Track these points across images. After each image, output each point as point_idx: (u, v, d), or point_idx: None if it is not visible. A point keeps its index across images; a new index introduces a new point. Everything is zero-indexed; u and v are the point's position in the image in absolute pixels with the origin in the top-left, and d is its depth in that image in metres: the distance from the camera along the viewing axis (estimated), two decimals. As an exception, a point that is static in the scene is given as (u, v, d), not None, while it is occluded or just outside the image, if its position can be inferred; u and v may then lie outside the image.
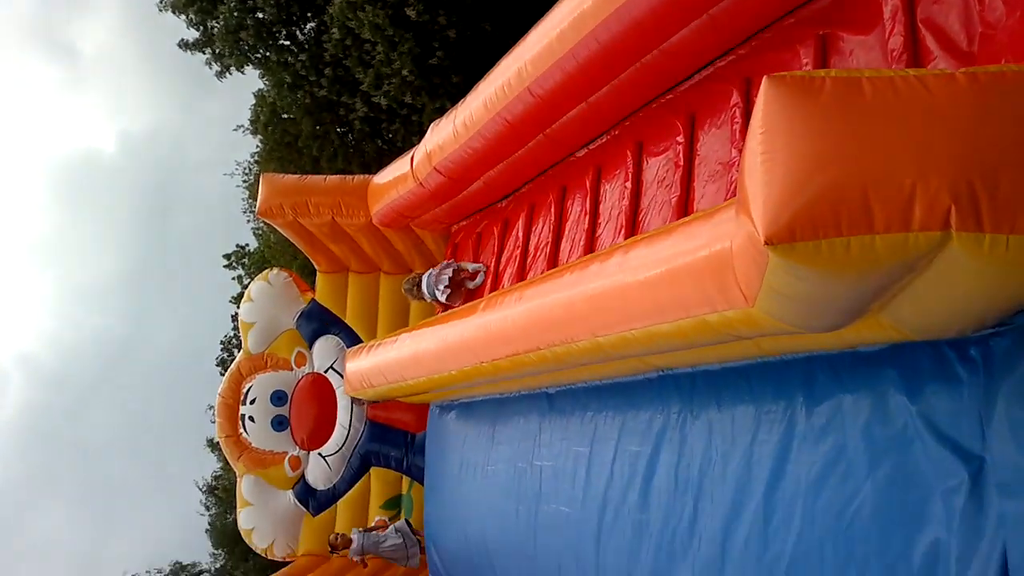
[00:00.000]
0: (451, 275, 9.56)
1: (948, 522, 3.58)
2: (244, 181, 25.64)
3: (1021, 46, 3.92)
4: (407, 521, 10.77)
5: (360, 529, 10.73)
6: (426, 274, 9.90)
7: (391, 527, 10.67)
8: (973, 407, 3.56)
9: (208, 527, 32.34)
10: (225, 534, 30.03)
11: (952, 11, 4.45)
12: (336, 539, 10.57)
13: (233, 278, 27.49)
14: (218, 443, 13.58)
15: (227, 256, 27.43)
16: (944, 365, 3.68)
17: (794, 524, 4.37)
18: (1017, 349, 3.35)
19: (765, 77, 2.95)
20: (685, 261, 3.93)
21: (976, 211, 2.56)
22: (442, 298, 9.49)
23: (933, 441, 3.70)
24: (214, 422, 12.50)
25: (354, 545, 10.39)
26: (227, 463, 12.75)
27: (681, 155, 6.39)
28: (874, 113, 2.75)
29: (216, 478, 31.45)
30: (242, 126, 21.95)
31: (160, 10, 18.22)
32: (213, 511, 31.79)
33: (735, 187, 5.63)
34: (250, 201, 25.50)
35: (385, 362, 8.46)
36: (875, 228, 2.63)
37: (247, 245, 27.26)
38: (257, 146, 22.73)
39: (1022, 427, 3.34)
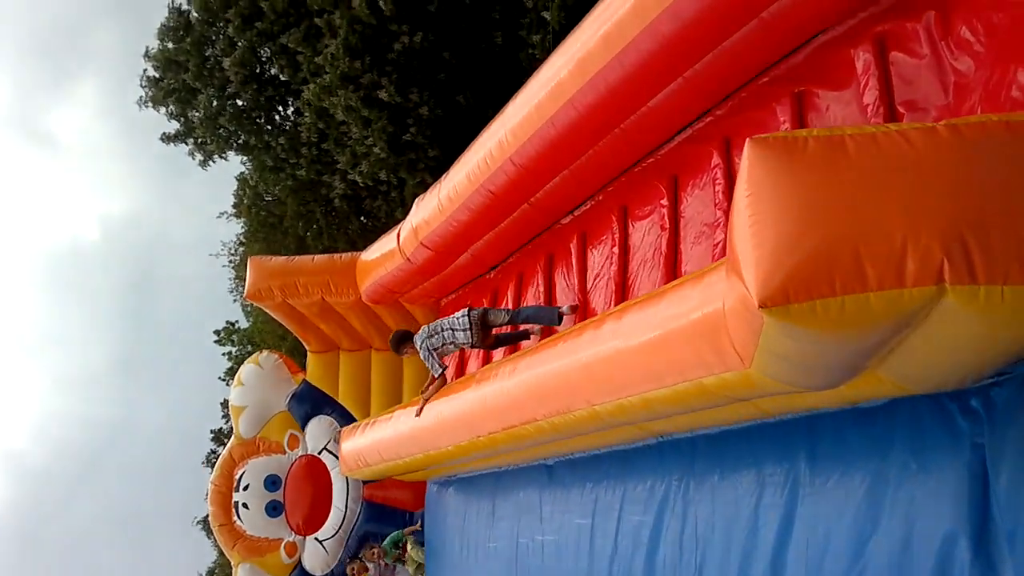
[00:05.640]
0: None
1: (958, 579, 3.50)
2: (230, 261, 25.61)
3: (995, 95, 3.96)
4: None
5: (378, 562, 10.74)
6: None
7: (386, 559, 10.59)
8: (977, 459, 3.50)
9: None
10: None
11: (924, 62, 4.52)
12: (353, 568, 10.71)
13: (223, 354, 27.31)
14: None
15: (217, 332, 27.29)
16: (945, 418, 3.64)
17: (802, 587, 4.27)
18: (1018, 398, 3.30)
19: (748, 139, 2.94)
20: (678, 325, 3.89)
21: (969, 264, 2.54)
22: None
23: (937, 496, 3.65)
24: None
25: (370, 572, 10.54)
26: (223, 552, 12.50)
27: (666, 217, 6.42)
28: (859, 170, 2.74)
29: (212, 571, 30.70)
30: (225, 212, 22.02)
31: (140, 108, 18.42)
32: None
33: (722, 247, 5.65)
34: (237, 281, 25.44)
35: (380, 440, 8.34)
36: (869, 286, 2.61)
37: (237, 322, 27.14)
38: (241, 228, 22.77)
39: (1027, 476, 3.28)
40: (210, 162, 18.89)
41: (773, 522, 4.51)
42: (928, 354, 3.03)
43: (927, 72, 4.46)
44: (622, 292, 6.81)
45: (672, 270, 6.25)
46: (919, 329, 2.80)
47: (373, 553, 10.75)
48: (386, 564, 10.65)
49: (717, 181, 5.94)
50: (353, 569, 10.81)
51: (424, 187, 9.86)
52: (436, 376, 7.50)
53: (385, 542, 10.83)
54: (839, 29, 5.04)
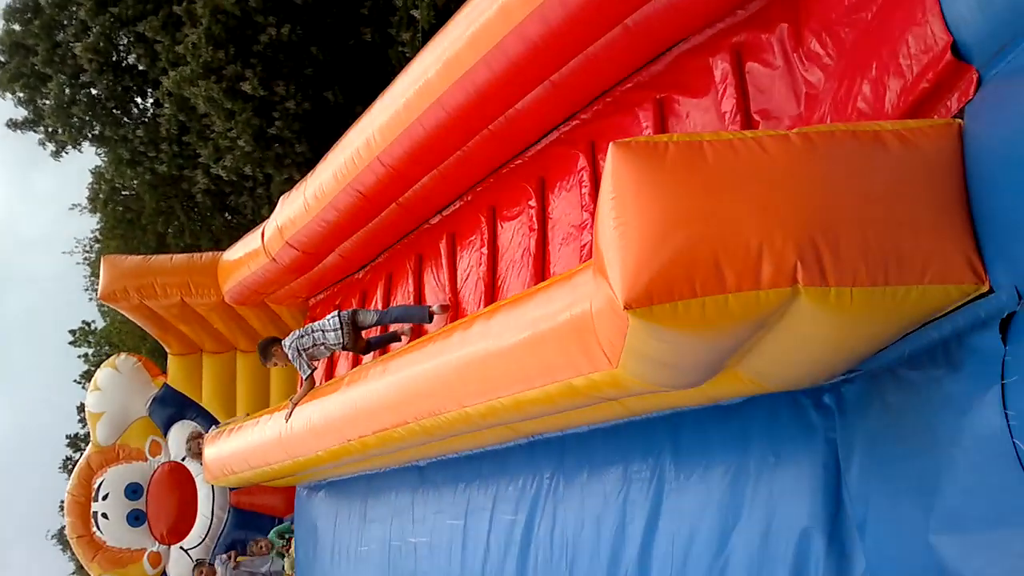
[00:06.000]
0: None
1: (813, 568, 3.65)
2: (85, 259, 24.45)
3: (843, 106, 4.15)
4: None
5: (223, 557, 10.48)
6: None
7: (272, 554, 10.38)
8: (830, 452, 3.67)
9: None
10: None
11: (777, 73, 4.70)
12: (201, 572, 10.51)
13: (79, 356, 26.09)
14: (67, 539, 12.72)
15: (72, 332, 26.05)
16: (800, 413, 3.79)
17: (668, 581, 4.38)
18: (867, 394, 3.47)
19: (611, 144, 2.98)
20: (548, 326, 3.92)
21: (820, 266, 2.64)
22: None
23: (794, 487, 3.80)
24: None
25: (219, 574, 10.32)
26: (80, 565, 11.96)
27: (534, 219, 6.47)
28: (717, 176, 2.81)
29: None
30: (79, 205, 21.00)
31: None
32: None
33: (589, 248, 5.74)
34: (92, 279, 24.32)
35: (247, 447, 8.11)
36: (727, 288, 2.68)
37: (93, 322, 25.96)
38: (97, 224, 21.77)
39: (875, 467, 3.45)
40: (63, 153, 17.97)
41: (640, 517, 4.61)
42: (783, 353, 3.15)
43: (780, 82, 4.64)
44: (492, 292, 6.83)
45: (541, 271, 6.31)
46: (775, 329, 2.90)
47: (260, 546, 10.52)
48: (236, 564, 10.42)
49: (583, 184, 6.03)
50: (201, 572, 10.60)
51: (292, 183, 9.62)
52: (304, 377, 7.36)
53: (271, 534, 10.60)
54: (698, 38, 5.19)
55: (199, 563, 10.77)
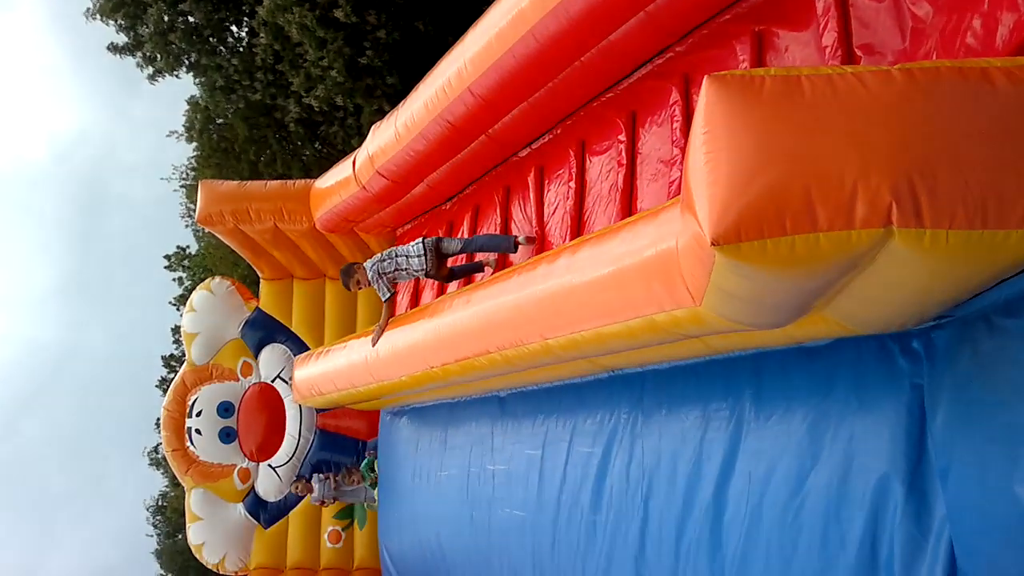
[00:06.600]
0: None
1: (891, 513, 3.63)
2: (182, 186, 25.16)
3: (950, 41, 3.98)
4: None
5: (322, 476, 10.98)
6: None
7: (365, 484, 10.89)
8: (915, 398, 3.61)
9: (157, 549, 31.65)
10: (174, 556, 29.34)
11: (883, 6, 4.52)
12: (297, 487, 11.06)
13: (174, 280, 27.05)
14: (160, 458, 13.29)
15: (168, 257, 26.97)
16: (887, 358, 3.73)
17: (743, 519, 4.40)
18: (958, 341, 3.39)
19: (706, 77, 2.93)
20: (632, 261, 3.92)
21: (916, 207, 2.57)
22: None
23: (876, 432, 3.75)
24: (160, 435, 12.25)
25: (314, 493, 10.92)
26: (174, 479, 12.53)
27: (623, 153, 6.41)
28: (814, 111, 2.75)
29: (163, 496, 30.78)
30: (175, 132, 21.52)
31: (88, 19, 17.79)
32: (161, 531, 31.08)
33: (677, 185, 5.67)
34: (188, 205, 25.04)
35: (334, 369, 8.36)
36: (819, 226, 2.63)
37: (188, 247, 26.81)
38: (193, 152, 22.32)
39: (962, 415, 3.39)
40: (159, 76, 18.38)
41: (717, 455, 4.63)
42: (873, 296, 3.09)
43: (885, 16, 4.46)
44: (578, 227, 6.82)
45: (628, 206, 6.27)
46: (866, 271, 2.85)
47: (352, 479, 10.92)
48: (336, 484, 10.84)
49: (675, 118, 5.93)
50: (297, 487, 11.09)
51: (382, 115, 9.68)
52: (384, 300, 7.47)
53: (362, 466, 10.99)
54: (802, -32, 5.01)
55: (299, 477, 11.23)
